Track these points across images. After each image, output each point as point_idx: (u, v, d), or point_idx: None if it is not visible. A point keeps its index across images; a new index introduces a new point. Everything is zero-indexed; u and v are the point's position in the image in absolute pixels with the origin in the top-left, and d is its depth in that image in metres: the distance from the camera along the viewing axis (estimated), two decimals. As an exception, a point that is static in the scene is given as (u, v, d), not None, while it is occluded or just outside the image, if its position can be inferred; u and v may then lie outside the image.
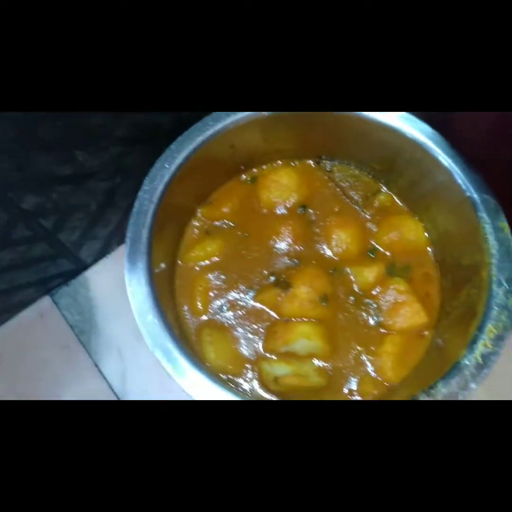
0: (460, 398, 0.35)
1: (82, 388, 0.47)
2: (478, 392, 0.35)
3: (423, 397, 0.35)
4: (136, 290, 0.35)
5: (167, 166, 0.39)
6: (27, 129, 0.32)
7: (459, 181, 0.40)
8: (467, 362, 0.36)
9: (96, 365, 0.48)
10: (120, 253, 0.52)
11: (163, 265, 0.41)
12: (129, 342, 0.48)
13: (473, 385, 0.35)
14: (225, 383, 0.36)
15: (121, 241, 0.51)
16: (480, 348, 0.36)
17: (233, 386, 0.41)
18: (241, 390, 0.41)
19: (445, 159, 0.40)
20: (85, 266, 0.51)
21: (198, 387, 0.34)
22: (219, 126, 0.40)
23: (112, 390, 0.47)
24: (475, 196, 0.40)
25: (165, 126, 0.42)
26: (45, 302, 0.50)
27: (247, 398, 0.34)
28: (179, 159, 0.39)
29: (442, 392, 0.35)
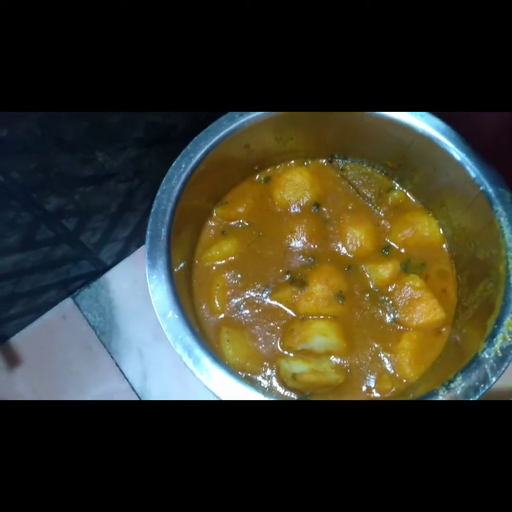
0: (481, 392, 0.35)
1: (104, 387, 0.48)
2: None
3: (442, 392, 0.35)
4: (156, 287, 0.36)
5: (184, 166, 0.40)
6: (51, 130, 0.33)
7: (473, 175, 0.40)
8: (486, 355, 0.35)
9: (118, 365, 0.49)
10: (139, 255, 0.53)
11: (182, 265, 0.42)
12: (149, 342, 0.49)
13: (493, 379, 0.35)
14: (244, 380, 0.36)
15: (139, 243, 0.52)
16: (499, 341, 0.36)
17: (252, 383, 0.41)
18: (260, 386, 0.41)
19: (458, 153, 0.41)
20: (105, 268, 0.52)
21: (219, 382, 0.34)
22: (233, 125, 0.41)
23: (133, 389, 0.48)
24: (490, 190, 0.40)
25: (180, 127, 0.43)
26: (67, 303, 0.51)
27: (266, 394, 0.35)
28: (196, 159, 0.40)
29: (462, 386, 0.35)
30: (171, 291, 0.36)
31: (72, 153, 0.36)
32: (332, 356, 0.42)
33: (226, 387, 0.34)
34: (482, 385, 0.34)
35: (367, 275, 0.46)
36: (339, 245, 0.47)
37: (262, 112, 0.42)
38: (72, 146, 0.36)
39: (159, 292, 0.36)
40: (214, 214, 0.48)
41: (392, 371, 0.42)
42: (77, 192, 0.40)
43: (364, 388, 0.42)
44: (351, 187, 0.50)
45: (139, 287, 0.51)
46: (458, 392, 0.34)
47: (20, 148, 0.33)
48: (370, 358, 0.43)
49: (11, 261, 0.41)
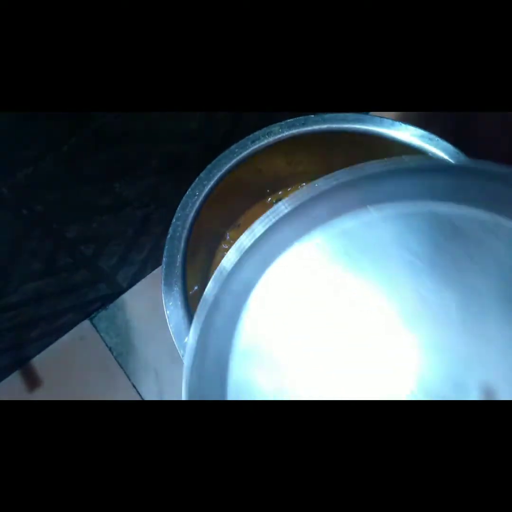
0: None
1: (120, 408, 0.49)
2: None
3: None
4: (173, 313, 0.37)
5: (198, 193, 0.41)
6: (72, 165, 0.35)
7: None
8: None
9: (134, 386, 0.49)
10: (154, 277, 0.54)
11: (196, 288, 0.43)
12: (165, 363, 0.50)
13: None
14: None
15: (154, 265, 0.54)
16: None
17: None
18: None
19: (468, 175, 0.41)
20: (122, 290, 0.53)
21: (234, 405, 0.35)
22: (245, 153, 0.42)
23: (149, 410, 0.48)
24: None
25: (193, 156, 0.44)
26: (85, 325, 0.53)
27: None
28: (209, 186, 0.41)
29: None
30: (186, 316, 0.37)
31: (91, 185, 0.38)
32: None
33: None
34: None
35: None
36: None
37: (272, 138, 0.43)
38: (91, 178, 0.37)
39: (175, 317, 0.37)
40: (227, 237, 0.49)
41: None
42: (95, 220, 0.41)
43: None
44: (362, 208, 0.50)
45: (155, 308, 0.52)
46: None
47: (44, 182, 0.34)
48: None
49: (33, 287, 0.42)
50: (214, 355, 0.30)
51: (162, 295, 0.38)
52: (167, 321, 0.37)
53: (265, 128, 0.43)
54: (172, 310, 0.37)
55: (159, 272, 0.55)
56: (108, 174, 0.38)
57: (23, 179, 0.33)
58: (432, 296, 0.28)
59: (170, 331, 0.37)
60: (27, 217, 0.35)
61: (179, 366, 0.50)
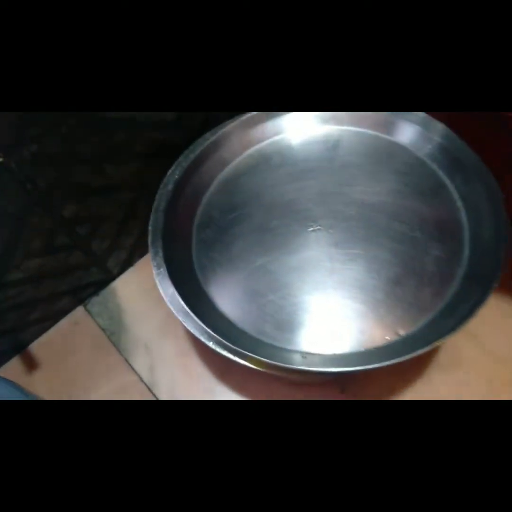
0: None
1: (115, 381, 0.52)
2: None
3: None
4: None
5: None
6: (70, 144, 0.41)
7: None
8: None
9: (127, 361, 0.53)
10: (143, 264, 0.59)
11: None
12: (154, 338, 0.54)
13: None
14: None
15: (142, 253, 0.59)
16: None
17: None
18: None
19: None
20: (112, 277, 0.58)
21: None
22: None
23: (142, 381, 0.52)
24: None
25: (176, 142, 0.50)
26: (79, 311, 0.57)
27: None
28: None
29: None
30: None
31: (85, 165, 0.44)
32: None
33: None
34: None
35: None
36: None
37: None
38: (85, 159, 0.44)
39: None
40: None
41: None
42: (89, 201, 0.47)
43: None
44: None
45: (144, 292, 0.57)
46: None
47: (47, 160, 0.40)
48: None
49: (34, 265, 0.47)
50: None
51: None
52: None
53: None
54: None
55: (146, 260, 0.60)
56: (99, 156, 0.45)
57: (29, 155, 0.39)
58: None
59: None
60: (31, 192, 0.41)
61: (168, 340, 0.54)
